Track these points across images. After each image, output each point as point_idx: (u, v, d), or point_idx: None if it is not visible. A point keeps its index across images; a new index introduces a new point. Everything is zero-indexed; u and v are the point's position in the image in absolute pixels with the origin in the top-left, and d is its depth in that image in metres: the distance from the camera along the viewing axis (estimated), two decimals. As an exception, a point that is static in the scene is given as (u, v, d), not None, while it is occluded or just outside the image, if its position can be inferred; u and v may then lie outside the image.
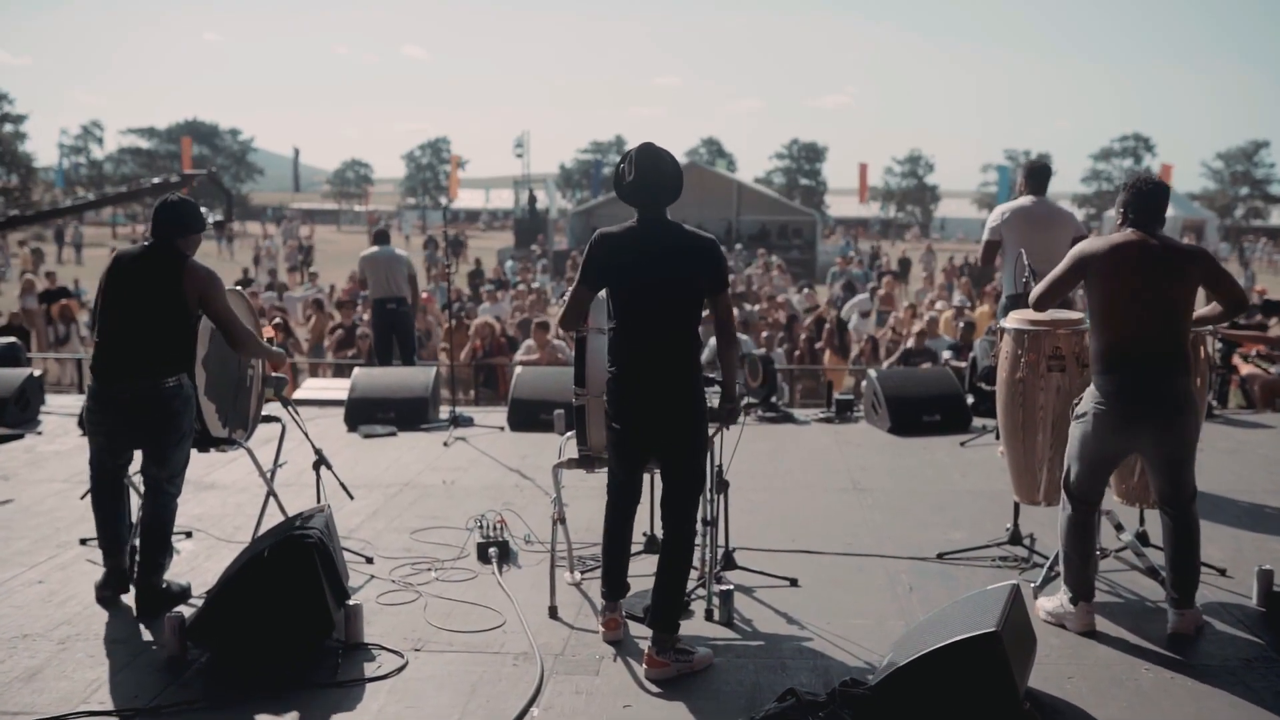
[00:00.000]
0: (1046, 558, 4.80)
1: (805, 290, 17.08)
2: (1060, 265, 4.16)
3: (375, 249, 10.42)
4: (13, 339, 10.15)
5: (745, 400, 8.28)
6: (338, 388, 9.21)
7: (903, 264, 29.17)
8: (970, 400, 8.36)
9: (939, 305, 16.70)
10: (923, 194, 73.92)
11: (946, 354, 11.32)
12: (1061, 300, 4.24)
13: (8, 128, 58.31)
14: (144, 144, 70.61)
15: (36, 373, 8.84)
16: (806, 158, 75.69)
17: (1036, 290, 4.26)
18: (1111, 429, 4.01)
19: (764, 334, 12.76)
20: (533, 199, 36.53)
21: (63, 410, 8.64)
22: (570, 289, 4.02)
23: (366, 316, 13.70)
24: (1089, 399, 4.07)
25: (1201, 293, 4.11)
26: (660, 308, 3.83)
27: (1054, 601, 4.29)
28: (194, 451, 4.80)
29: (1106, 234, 4.17)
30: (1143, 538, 4.91)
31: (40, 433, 7.95)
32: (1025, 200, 6.63)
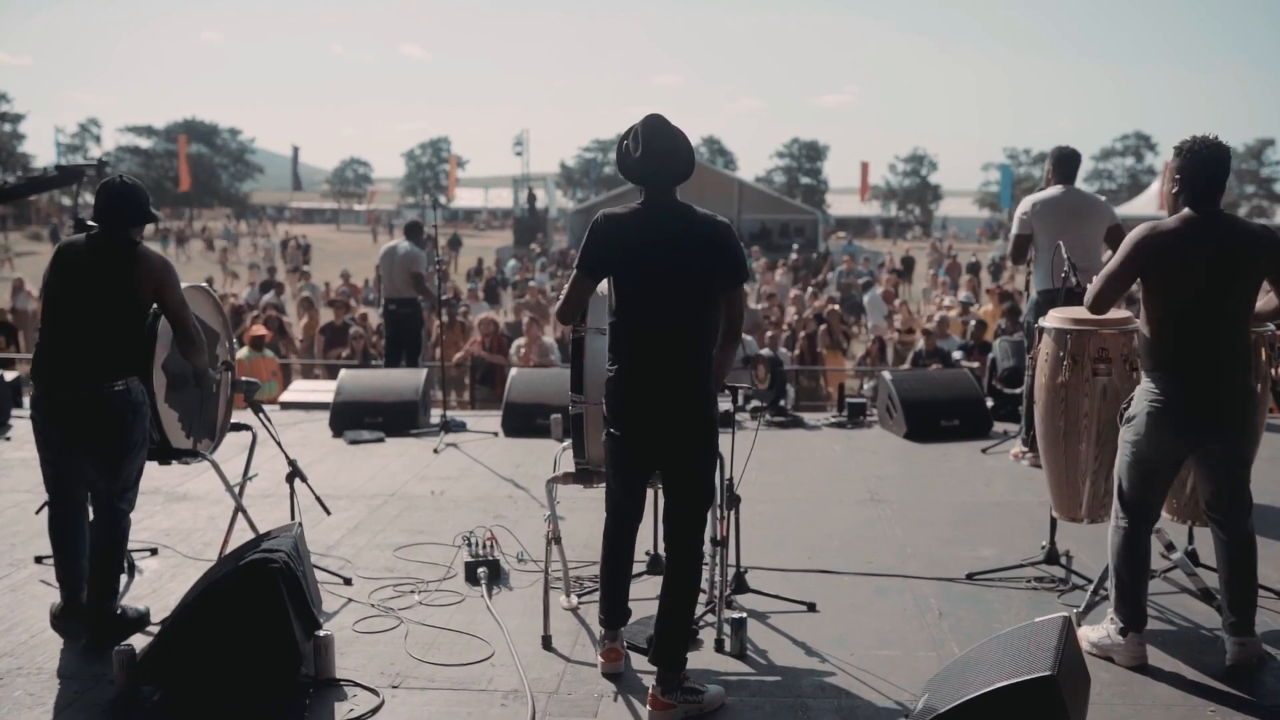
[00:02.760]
0: (1086, 579, 4.41)
1: (811, 290, 16.66)
2: (1115, 258, 3.71)
3: (393, 243, 9.74)
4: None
5: (752, 404, 7.90)
6: (325, 390, 8.79)
7: (906, 263, 28.74)
8: (990, 404, 7.94)
9: (947, 301, 16.31)
10: (924, 193, 73.55)
11: (956, 354, 10.92)
12: (1122, 298, 3.79)
13: (6, 128, 58.03)
14: (143, 143, 70.18)
15: (9, 376, 8.43)
16: (807, 156, 75.35)
17: (1092, 290, 3.80)
18: (1168, 432, 3.60)
19: (769, 334, 12.34)
20: (532, 198, 36.17)
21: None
22: (570, 278, 3.60)
23: (359, 313, 13.29)
24: (1142, 399, 3.66)
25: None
26: (668, 299, 3.40)
27: (1099, 631, 3.87)
28: (156, 465, 4.40)
29: (1166, 217, 3.73)
30: (1193, 556, 4.48)
31: (9, 438, 7.55)
32: (1054, 190, 6.20)
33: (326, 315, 13.67)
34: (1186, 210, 3.61)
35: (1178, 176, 3.65)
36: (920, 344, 11.31)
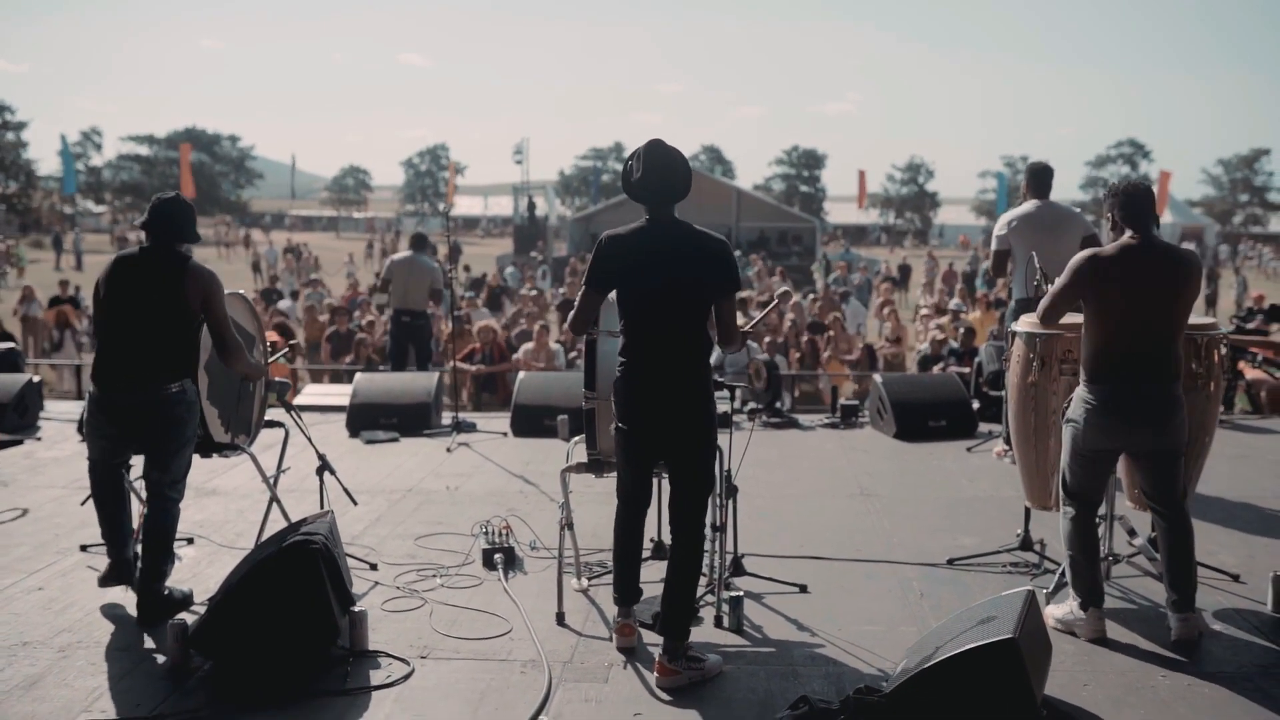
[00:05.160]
0: (1057, 563, 4.75)
1: (811, 297, 17.03)
2: (1060, 279, 4.09)
3: (406, 253, 10.00)
4: (11, 344, 10.09)
5: (749, 406, 8.26)
6: (339, 393, 9.16)
7: (903, 270, 29.10)
8: (976, 405, 8.31)
9: (926, 309, 16.71)
10: (922, 201, 73.95)
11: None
12: (1069, 311, 4.17)
13: (8, 136, 58.33)
14: (144, 151, 70.57)
15: (36, 378, 8.78)
16: (806, 164, 75.74)
17: (1042, 305, 4.20)
18: (1101, 431, 4.00)
19: (766, 339, 12.72)
20: (532, 205, 36.45)
21: (62, 416, 8.59)
22: (579, 293, 3.97)
23: (367, 320, 13.63)
24: (1078, 403, 4.05)
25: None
26: (669, 308, 3.78)
27: (1063, 608, 4.24)
28: (196, 457, 4.75)
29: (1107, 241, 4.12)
30: (1154, 542, 4.84)
31: (39, 438, 7.90)
32: (1030, 205, 6.56)
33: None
34: (1125, 237, 4.01)
35: (1109, 215, 4.07)
36: (928, 349, 11.79)
